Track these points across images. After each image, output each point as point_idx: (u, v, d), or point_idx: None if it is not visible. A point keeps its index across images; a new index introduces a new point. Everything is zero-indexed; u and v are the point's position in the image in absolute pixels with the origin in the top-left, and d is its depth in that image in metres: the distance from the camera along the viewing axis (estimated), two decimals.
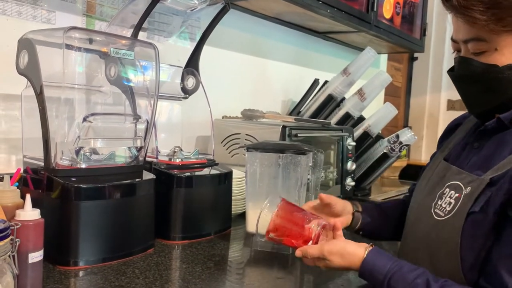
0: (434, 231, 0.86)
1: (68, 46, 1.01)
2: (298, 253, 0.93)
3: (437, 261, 0.86)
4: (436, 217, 0.87)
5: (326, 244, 0.90)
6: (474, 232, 0.80)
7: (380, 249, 0.87)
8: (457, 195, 0.85)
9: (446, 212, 0.85)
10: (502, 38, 0.81)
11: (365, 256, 0.84)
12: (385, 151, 1.94)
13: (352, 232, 1.13)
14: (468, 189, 0.83)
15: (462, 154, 0.94)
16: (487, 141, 0.89)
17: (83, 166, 1.02)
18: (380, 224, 1.14)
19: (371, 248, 0.86)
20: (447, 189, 0.88)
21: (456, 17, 0.85)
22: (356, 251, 0.86)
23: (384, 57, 3.08)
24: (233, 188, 1.35)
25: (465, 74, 0.88)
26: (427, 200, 0.92)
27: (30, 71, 0.99)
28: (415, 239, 0.95)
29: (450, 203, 0.85)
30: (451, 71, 0.93)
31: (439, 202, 0.88)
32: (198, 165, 1.28)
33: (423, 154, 3.57)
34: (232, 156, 1.60)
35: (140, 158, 1.13)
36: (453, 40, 0.89)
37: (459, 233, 0.81)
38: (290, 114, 2.11)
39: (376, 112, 2.01)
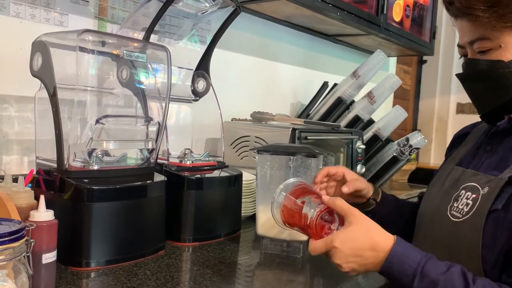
0: (452, 232, 0.86)
1: (82, 49, 1.02)
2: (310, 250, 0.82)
3: (457, 262, 0.86)
4: (453, 219, 0.87)
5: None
6: (495, 230, 0.80)
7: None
8: (474, 196, 0.85)
9: (463, 213, 0.86)
10: (505, 35, 0.85)
11: (394, 243, 0.77)
12: (394, 154, 1.94)
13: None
14: (486, 189, 0.84)
15: (475, 157, 0.95)
16: (499, 144, 0.91)
17: (95, 167, 1.03)
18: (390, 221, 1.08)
19: (396, 236, 0.78)
20: (463, 191, 0.89)
21: (461, 20, 0.89)
22: (383, 239, 0.77)
23: (393, 60, 3.07)
24: (242, 191, 1.35)
25: (472, 73, 0.91)
26: (442, 204, 0.92)
27: (44, 73, 1.00)
28: (431, 241, 0.94)
29: (467, 204, 0.86)
30: (459, 74, 0.95)
31: (455, 204, 0.89)
32: (208, 167, 1.28)
33: (432, 158, 3.55)
34: (241, 159, 1.60)
35: (152, 160, 1.13)
36: (459, 46, 0.93)
37: (480, 232, 0.81)
38: (299, 116, 2.11)
39: (386, 115, 2.00)
